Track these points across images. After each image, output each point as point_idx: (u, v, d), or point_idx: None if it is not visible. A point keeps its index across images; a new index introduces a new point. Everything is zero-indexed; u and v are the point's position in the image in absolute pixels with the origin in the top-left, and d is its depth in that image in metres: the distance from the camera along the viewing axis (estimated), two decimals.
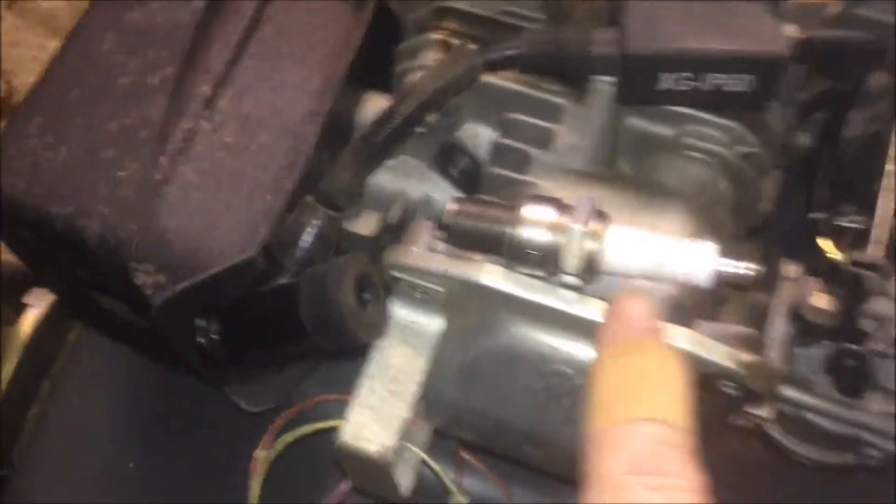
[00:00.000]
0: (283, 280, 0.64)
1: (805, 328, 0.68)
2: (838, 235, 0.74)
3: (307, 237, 0.64)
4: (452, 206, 0.59)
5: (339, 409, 0.82)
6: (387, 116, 0.63)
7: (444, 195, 0.74)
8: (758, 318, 0.67)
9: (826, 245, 0.74)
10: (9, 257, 0.95)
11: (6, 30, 1.68)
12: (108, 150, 0.65)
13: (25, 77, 1.65)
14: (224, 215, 0.65)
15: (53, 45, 1.75)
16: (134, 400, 0.99)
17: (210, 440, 0.91)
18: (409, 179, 0.74)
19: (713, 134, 0.67)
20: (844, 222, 0.75)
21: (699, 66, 0.60)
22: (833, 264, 0.68)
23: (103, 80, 0.68)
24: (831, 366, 0.68)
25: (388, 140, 0.63)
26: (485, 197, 0.62)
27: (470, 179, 0.73)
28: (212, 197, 0.66)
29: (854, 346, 0.66)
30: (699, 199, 0.64)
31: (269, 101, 0.70)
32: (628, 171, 0.69)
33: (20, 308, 0.99)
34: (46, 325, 1.00)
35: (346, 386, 0.76)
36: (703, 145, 0.66)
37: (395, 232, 0.75)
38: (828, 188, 0.76)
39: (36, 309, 0.99)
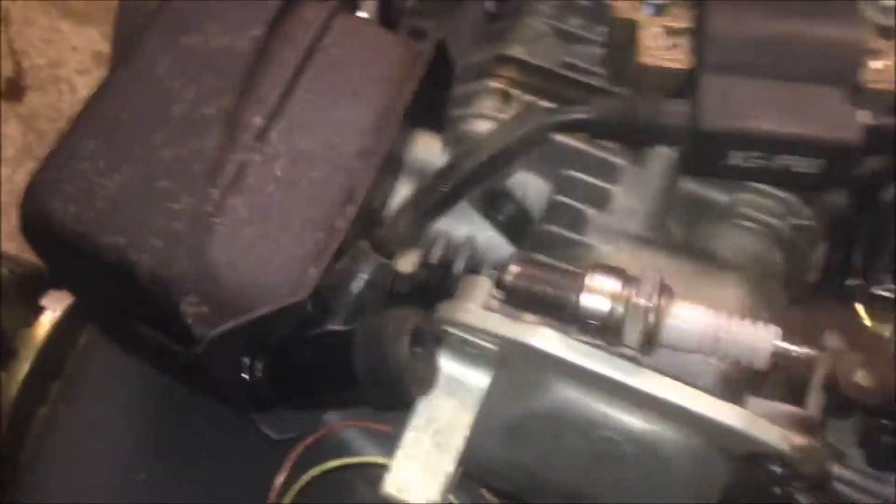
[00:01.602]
0: (333, 326, 0.64)
1: (841, 401, 0.68)
2: (876, 303, 0.75)
3: (359, 284, 0.64)
4: (514, 268, 0.59)
5: (360, 438, 0.82)
6: (449, 170, 0.63)
7: (487, 238, 0.74)
8: (796, 389, 0.68)
9: (862, 312, 0.74)
10: (28, 258, 0.94)
11: (19, 7, 1.65)
12: (162, 181, 0.64)
13: (36, 58, 1.62)
14: (274, 251, 0.65)
15: (65, 26, 1.72)
16: (146, 408, 0.98)
17: (224, 456, 0.90)
18: (452, 219, 0.73)
19: (769, 204, 0.67)
20: (881, 290, 0.75)
21: (771, 146, 0.60)
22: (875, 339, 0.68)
23: (158, 105, 0.67)
24: (865, 439, 0.68)
25: (449, 194, 0.63)
26: (545, 258, 0.62)
27: (515, 227, 0.72)
28: (262, 232, 0.65)
29: (891, 423, 0.67)
30: (754, 270, 0.64)
31: (322, 135, 0.69)
32: (679, 236, 0.68)
33: (37, 309, 0.98)
34: (61, 328, 0.99)
35: (367, 413, 0.76)
36: (759, 216, 0.66)
37: (435, 270, 0.75)
38: (865, 255, 0.77)
39: (52, 311, 0.98)
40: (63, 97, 1.67)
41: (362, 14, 0.86)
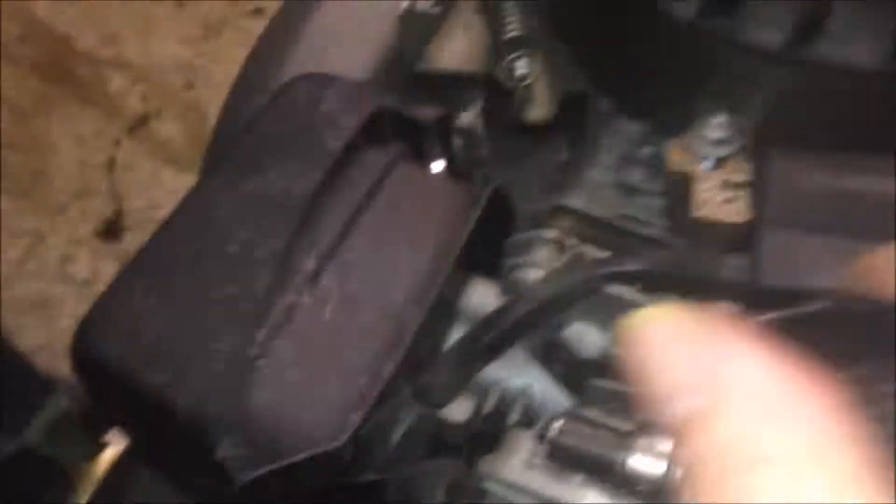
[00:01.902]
0: (369, 476, 0.61)
1: None
2: None
3: (399, 433, 0.61)
4: (558, 423, 0.56)
5: None
6: (496, 318, 0.61)
7: (543, 389, 0.71)
8: None
9: None
10: None
11: (125, 154, 1.75)
12: (208, 321, 0.64)
13: (136, 201, 1.70)
14: (316, 395, 0.63)
15: (166, 173, 1.81)
16: None
17: None
18: (508, 368, 0.71)
19: None
20: None
21: None
22: None
23: (212, 245, 0.68)
24: None
25: (494, 343, 0.61)
26: (595, 414, 0.58)
27: (573, 379, 0.69)
28: (305, 376, 0.64)
29: None
30: None
31: (374, 280, 0.68)
32: None
33: (100, 445, 0.99)
34: (122, 464, 0.99)
35: None
36: None
37: (488, 421, 0.72)
38: None
39: (114, 447, 0.99)
40: None
41: (432, 165, 0.86)
